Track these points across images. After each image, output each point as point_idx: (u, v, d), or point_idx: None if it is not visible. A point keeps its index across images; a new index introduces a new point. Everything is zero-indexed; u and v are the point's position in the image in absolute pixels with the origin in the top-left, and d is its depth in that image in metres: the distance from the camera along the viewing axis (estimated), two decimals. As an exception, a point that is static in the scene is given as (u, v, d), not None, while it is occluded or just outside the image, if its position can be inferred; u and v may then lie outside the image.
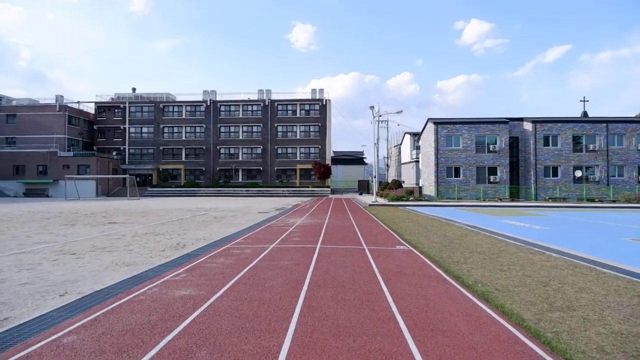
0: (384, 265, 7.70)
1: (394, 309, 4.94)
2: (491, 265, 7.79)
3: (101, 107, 63.88)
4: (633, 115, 62.41)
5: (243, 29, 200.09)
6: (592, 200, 36.26)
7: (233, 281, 6.35)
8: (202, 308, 4.89)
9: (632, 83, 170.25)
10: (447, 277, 6.78)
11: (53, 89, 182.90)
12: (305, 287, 5.95)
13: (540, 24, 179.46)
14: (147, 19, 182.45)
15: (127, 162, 62.22)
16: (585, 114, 47.06)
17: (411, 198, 35.67)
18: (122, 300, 5.24)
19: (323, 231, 13.24)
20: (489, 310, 4.93)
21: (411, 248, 9.86)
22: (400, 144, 71.91)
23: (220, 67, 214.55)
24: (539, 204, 32.14)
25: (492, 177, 39.96)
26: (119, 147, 62.75)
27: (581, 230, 14.92)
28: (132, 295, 5.49)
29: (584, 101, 50.34)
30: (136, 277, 6.69)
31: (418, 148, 58.70)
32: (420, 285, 6.17)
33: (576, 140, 40.24)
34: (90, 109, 64.80)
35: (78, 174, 53.25)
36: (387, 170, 76.14)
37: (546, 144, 40.35)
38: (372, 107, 32.62)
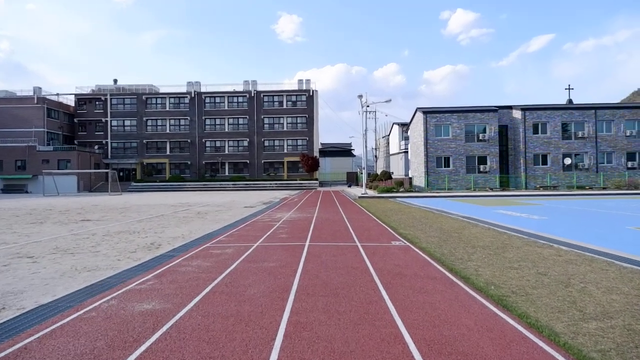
0: (380, 265, 6.85)
1: (399, 323, 4.08)
2: (499, 262, 7.00)
3: (81, 100, 61.79)
4: (617, 102, 62.68)
5: (228, 20, 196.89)
6: (583, 188, 36.02)
7: (207, 289, 5.43)
8: (164, 328, 3.98)
9: (614, 71, 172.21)
10: (454, 278, 5.96)
11: (35, 81, 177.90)
12: (292, 296, 5.06)
13: (524, 13, 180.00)
14: (130, 10, 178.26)
15: (109, 157, 60.46)
16: (570, 101, 46.78)
17: (401, 189, 34.99)
18: (67, 319, 4.29)
19: (312, 226, 12.36)
20: (512, 322, 4.11)
21: (408, 244, 9.04)
22: (389, 135, 71.23)
23: (206, 59, 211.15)
24: (530, 192, 31.72)
25: (482, 167, 39.48)
26: (101, 140, 60.91)
27: (581, 220, 14.29)
28: (82, 311, 4.54)
29: (569, 89, 50.12)
30: (94, 286, 5.73)
31: (407, 139, 58.04)
32: (425, 290, 5.34)
33: (565, 127, 39.94)
34: (71, 101, 62.71)
35: (58, 169, 51.51)
36: (376, 161, 75.51)
37: (535, 131, 39.98)
38: (360, 96, 31.72)
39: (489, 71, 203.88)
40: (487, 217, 14.61)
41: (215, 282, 5.83)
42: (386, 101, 32.49)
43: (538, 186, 37.28)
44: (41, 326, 4.08)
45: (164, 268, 6.78)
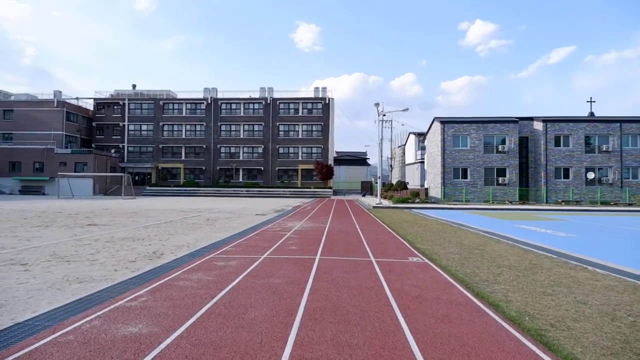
0: (397, 285, 6.20)
1: (422, 363, 3.44)
2: (530, 286, 6.28)
3: (100, 104, 62.57)
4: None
5: (247, 28, 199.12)
6: (607, 204, 34.61)
7: (204, 310, 4.86)
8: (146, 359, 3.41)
9: (636, 83, 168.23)
10: (481, 305, 5.28)
11: (57, 86, 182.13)
12: (297, 322, 4.45)
13: (545, 25, 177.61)
14: (152, 17, 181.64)
15: (125, 160, 60.88)
16: (592, 114, 45.29)
17: (417, 200, 34.13)
18: (39, 343, 3.76)
19: (324, 238, 11.74)
20: (557, 367, 3.43)
21: (427, 260, 8.36)
22: (405, 145, 70.34)
23: (224, 66, 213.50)
24: (552, 207, 30.55)
25: (500, 179, 38.38)
26: (118, 144, 61.45)
27: (613, 238, 13.36)
28: (58, 334, 4.01)
29: (591, 102, 48.58)
30: (82, 301, 5.21)
31: (423, 149, 57.13)
32: (449, 319, 4.67)
33: (588, 140, 38.64)
34: (89, 105, 63.56)
35: (75, 172, 51.97)
36: (391, 171, 74.60)
37: (557, 144, 38.77)
38: (377, 104, 31.13)
39: (507, 82, 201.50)
40: (510, 233, 13.79)
41: (214, 300, 5.26)
42: (403, 110, 31.84)
43: (560, 200, 36.00)
44: (5, 352, 3.55)
45: (161, 281, 6.24)
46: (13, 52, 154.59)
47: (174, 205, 28.78)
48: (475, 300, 5.47)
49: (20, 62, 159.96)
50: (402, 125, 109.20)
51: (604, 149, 38.14)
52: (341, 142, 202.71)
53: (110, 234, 11.97)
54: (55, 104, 57.69)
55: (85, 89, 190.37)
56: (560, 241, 12.02)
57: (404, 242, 11.19)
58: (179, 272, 6.91)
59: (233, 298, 5.37)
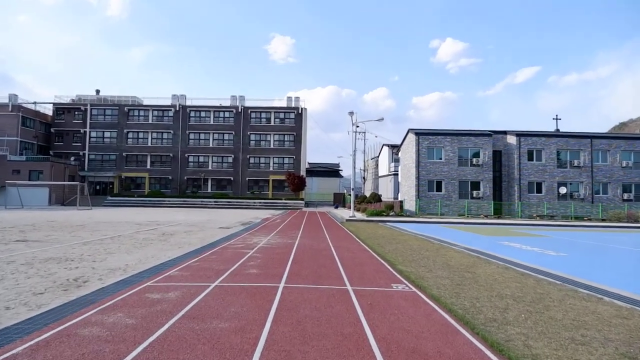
0: (384, 330, 4.68)
1: None
2: (551, 329, 4.89)
3: (60, 109, 59.06)
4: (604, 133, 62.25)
5: (221, 38, 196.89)
6: (581, 219, 34.44)
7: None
8: None
9: (597, 104, 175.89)
10: (500, 362, 3.83)
11: (21, 94, 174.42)
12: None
13: (511, 46, 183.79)
14: (122, 24, 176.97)
15: (86, 169, 57.43)
16: (558, 131, 45.73)
17: (391, 213, 32.97)
18: None
19: (291, 258, 10.12)
20: None
21: (414, 289, 6.90)
22: (378, 157, 69.69)
23: (195, 77, 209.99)
24: (527, 222, 29.94)
25: (475, 192, 37.81)
26: (78, 152, 57.93)
27: (607, 258, 12.31)
28: None
29: (557, 119, 49.18)
30: None
31: (396, 161, 56.44)
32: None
33: (560, 155, 38.69)
34: (49, 110, 59.85)
35: (30, 180, 48.41)
36: (364, 183, 73.71)
37: (530, 158, 38.62)
38: (351, 113, 29.96)
39: (476, 99, 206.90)
40: (496, 251, 12.57)
41: (123, 363, 3.60)
42: (378, 120, 30.82)
43: (534, 215, 35.63)
44: None
45: (59, 329, 4.50)
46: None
47: (132, 217, 26.49)
48: (492, 357, 4.01)
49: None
50: (376, 137, 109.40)
51: (576, 164, 38.25)
52: (314, 153, 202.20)
53: (34, 254, 9.96)
54: (10, 109, 53.96)
55: (50, 96, 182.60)
56: (554, 262, 10.84)
57: (384, 262, 9.72)
58: (93, 311, 5.17)
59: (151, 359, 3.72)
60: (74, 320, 4.76)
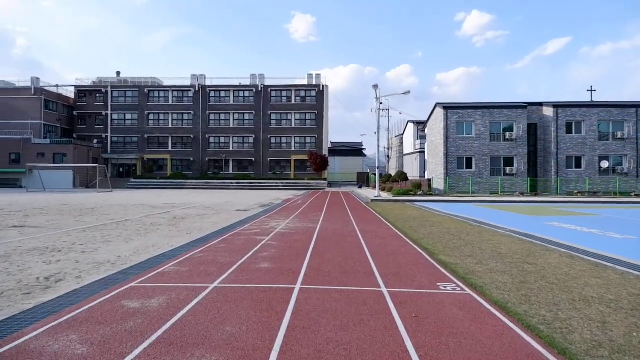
0: (441, 362, 3.21)
1: None
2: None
3: (82, 92, 58.84)
4: None
5: (241, 19, 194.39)
6: (627, 195, 31.81)
7: None
8: None
9: (632, 74, 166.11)
10: None
11: (49, 78, 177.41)
12: None
13: (540, 16, 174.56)
14: (145, 8, 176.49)
15: (109, 151, 57.40)
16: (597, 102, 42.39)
17: (419, 192, 31.17)
18: None
19: (311, 247, 8.70)
20: None
21: (468, 290, 5.37)
22: (403, 134, 67.30)
23: (217, 58, 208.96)
24: (568, 199, 27.65)
25: (508, 169, 35.48)
26: (101, 134, 57.87)
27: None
28: None
29: (591, 91, 45.68)
30: None
31: (422, 138, 54.08)
32: None
33: (601, 127, 35.73)
34: (70, 93, 59.76)
35: (54, 163, 48.57)
36: (388, 161, 71.58)
37: (569, 131, 35.84)
38: (375, 86, 28.02)
39: (503, 73, 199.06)
40: (549, 234, 10.82)
41: None
42: (404, 93, 28.79)
43: (575, 192, 33.13)
44: None
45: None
46: (4, 43, 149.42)
47: (150, 199, 25.65)
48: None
49: (11, 54, 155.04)
50: (400, 113, 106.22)
51: (619, 136, 35.29)
52: (336, 133, 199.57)
53: (21, 242, 8.87)
54: (33, 92, 53.98)
55: (74, 80, 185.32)
56: (625, 246, 9.08)
57: (421, 251, 8.20)
58: (39, 330, 3.85)
59: None
60: (9, 346, 3.45)
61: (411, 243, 9.27)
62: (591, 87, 42.33)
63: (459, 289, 5.44)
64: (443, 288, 5.46)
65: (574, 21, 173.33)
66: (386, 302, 4.76)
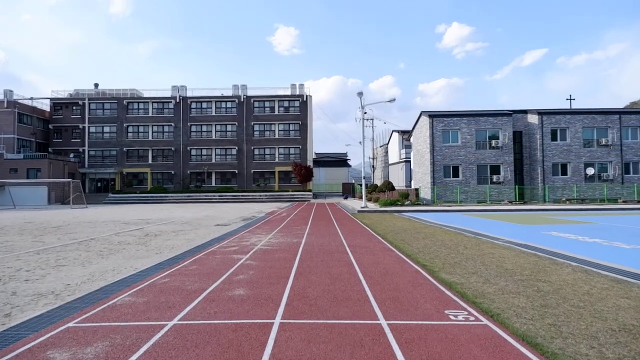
0: None
1: None
2: None
3: (57, 104, 56.82)
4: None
5: (224, 31, 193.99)
6: (614, 201, 31.60)
7: None
8: None
9: (607, 84, 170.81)
10: None
11: (29, 92, 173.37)
12: None
13: (518, 27, 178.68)
14: (126, 20, 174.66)
15: (86, 166, 55.37)
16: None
17: (406, 202, 30.40)
18: None
19: (295, 266, 7.68)
20: None
21: (482, 318, 4.44)
22: (387, 144, 66.94)
23: (200, 70, 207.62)
24: (557, 206, 27.20)
25: (495, 177, 35.08)
26: (78, 148, 55.82)
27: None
28: None
29: (570, 99, 46.23)
30: None
31: (407, 147, 53.68)
32: None
33: (586, 134, 35.70)
34: (46, 106, 57.73)
35: (28, 178, 46.51)
36: (373, 171, 71.01)
37: (554, 138, 35.73)
38: (360, 94, 27.32)
39: (483, 84, 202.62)
40: (551, 245, 10.02)
41: None
42: (390, 101, 28.13)
43: (563, 199, 32.81)
44: None
45: None
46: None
47: (124, 215, 24.24)
48: None
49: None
50: (385, 123, 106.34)
51: (603, 143, 35.30)
52: (321, 144, 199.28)
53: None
54: (6, 105, 51.90)
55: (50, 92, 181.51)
56: (635, 257, 8.30)
57: (419, 269, 7.26)
58: None
59: None
60: None
61: (406, 259, 8.33)
62: (570, 95, 42.79)
63: (472, 317, 4.49)
64: (454, 317, 4.51)
65: (550, 33, 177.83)
66: (388, 342, 3.77)
